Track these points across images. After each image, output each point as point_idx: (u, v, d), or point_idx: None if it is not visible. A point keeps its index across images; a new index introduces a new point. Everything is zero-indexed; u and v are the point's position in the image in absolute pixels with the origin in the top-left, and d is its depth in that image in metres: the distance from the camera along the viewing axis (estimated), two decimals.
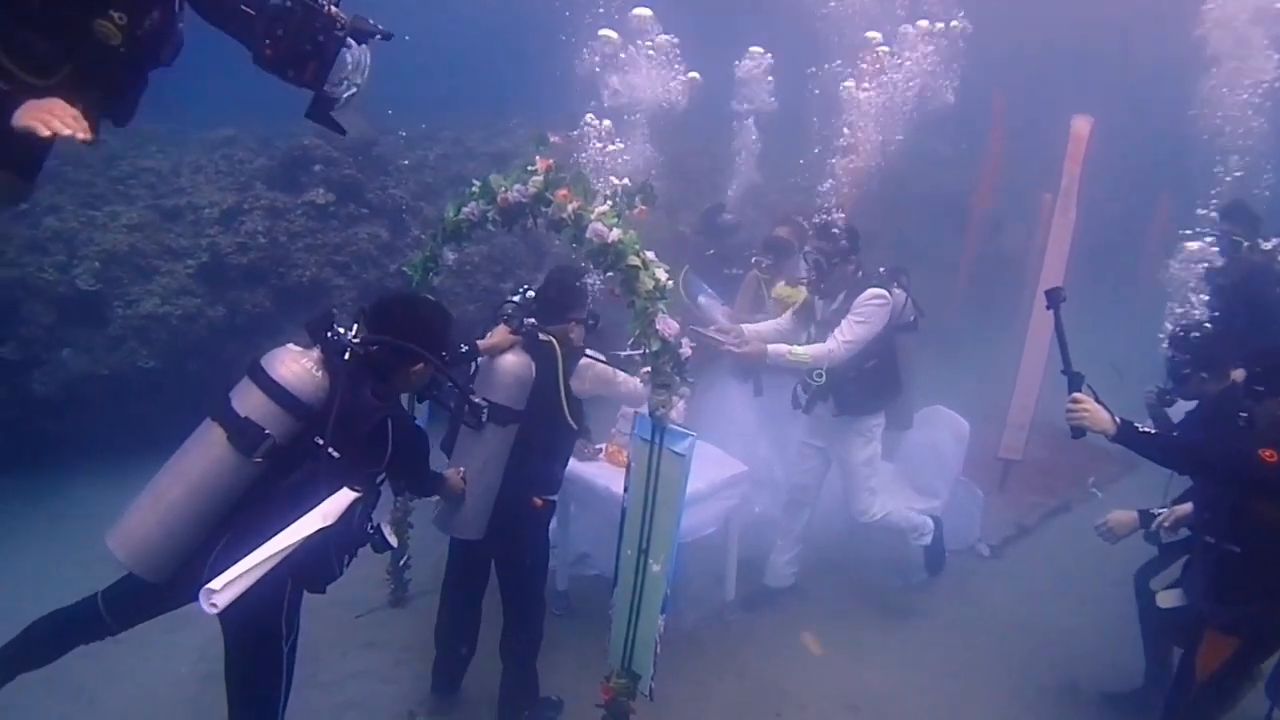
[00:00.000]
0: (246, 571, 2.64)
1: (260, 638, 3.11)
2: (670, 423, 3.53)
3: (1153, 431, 3.53)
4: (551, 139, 4.29)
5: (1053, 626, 5.57)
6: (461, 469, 3.93)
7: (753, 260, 6.15)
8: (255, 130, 9.41)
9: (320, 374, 3.04)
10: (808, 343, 5.17)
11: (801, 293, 5.54)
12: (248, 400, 2.98)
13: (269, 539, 2.77)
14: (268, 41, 2.36)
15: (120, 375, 6.90)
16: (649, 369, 3.62)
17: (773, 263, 6.05)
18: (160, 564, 2.98)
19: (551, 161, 3.99)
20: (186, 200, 7.82)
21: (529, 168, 4.02)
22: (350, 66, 2.45)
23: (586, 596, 5.37)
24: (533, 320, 4.05)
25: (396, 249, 8.26)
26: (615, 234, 3.63)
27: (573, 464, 4.54)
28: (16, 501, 6.51)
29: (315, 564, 2.99)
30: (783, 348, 4.96)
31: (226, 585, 2.60)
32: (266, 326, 7.42)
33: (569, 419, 4.06)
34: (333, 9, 2.39)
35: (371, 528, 3.19)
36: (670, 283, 3.65)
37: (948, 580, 6.00)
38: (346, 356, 3.07)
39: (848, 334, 4.93)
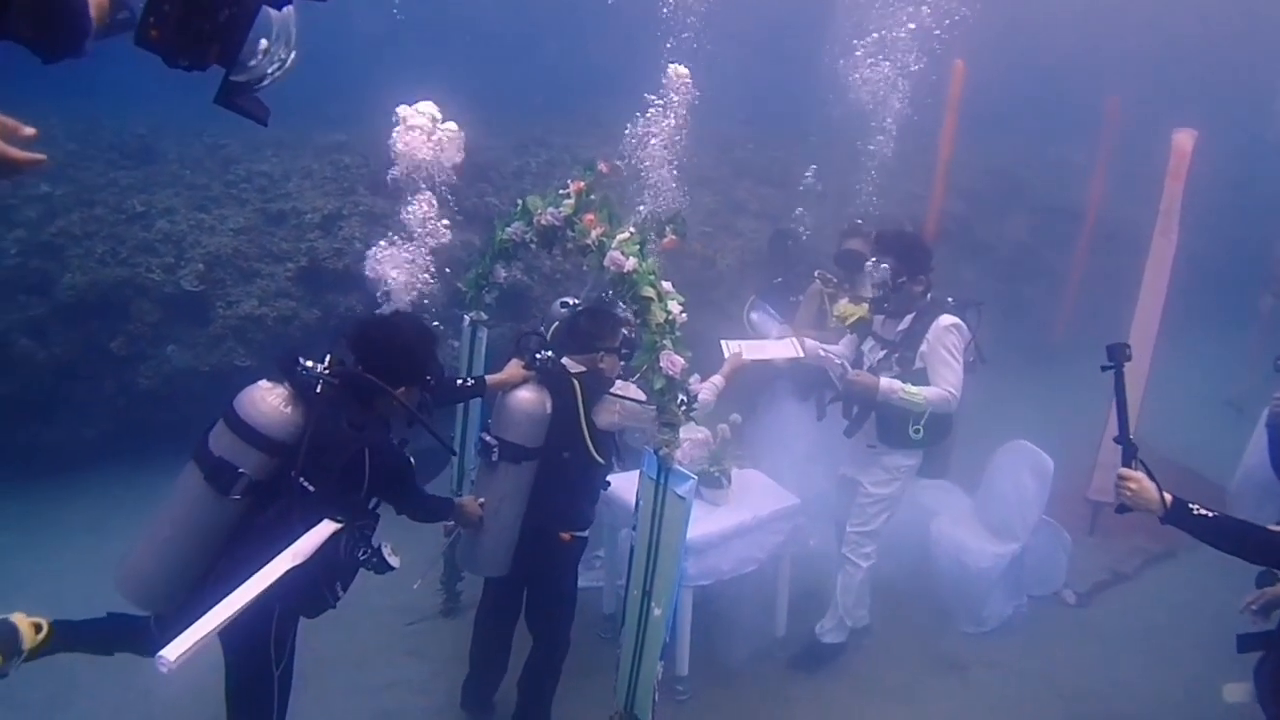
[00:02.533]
0: (202, 635, 2.64)
1: (249, 663, 3.18)
2: (674, 463, 3.40)
3: (1208, 514, 3.10)
4: (599, 166, 4.20)
5: (1131, 688, 5.12)
6: (481, 498, 3.90)
7: (815, 275, 5.90)
8: (366, 134, 9.69)
9: (290, 409, 3.06)
10: (859, 363, 4.93)
11: (864, 311, 5.25)
12: (222, 440, 3.06)
13: (250, 573, 2.81)
14: (153, 19, 1.57)
15: (219, 372, 7.18)
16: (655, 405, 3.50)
17: (843, 278, 5.79)
18: (160, 598, 3.12)
19: (583, 184, 3.91)
20: (291, 205, 8.11)
21: (560, 191, 3.97)
22: (272, 38, 1.68)
23: None
24: (549, 353, 3.95)
25: None
26: (632, 263, 3.54)
27: (618, 487, 4.41)
28: (120, 488, 6.93)
29: (302, 595, 3.02)
30: (896, 384, 4.59)
31: (180, 653, 2.57)
32: None
33: (594, 454, 3.92)
34: None
35: (367, 551, 3.18)
36: (685, 316, 3.52)
37: (1022, 628, 5.63)
38: (319, 389, 3.07)
39: (950, 377, 4.59)
